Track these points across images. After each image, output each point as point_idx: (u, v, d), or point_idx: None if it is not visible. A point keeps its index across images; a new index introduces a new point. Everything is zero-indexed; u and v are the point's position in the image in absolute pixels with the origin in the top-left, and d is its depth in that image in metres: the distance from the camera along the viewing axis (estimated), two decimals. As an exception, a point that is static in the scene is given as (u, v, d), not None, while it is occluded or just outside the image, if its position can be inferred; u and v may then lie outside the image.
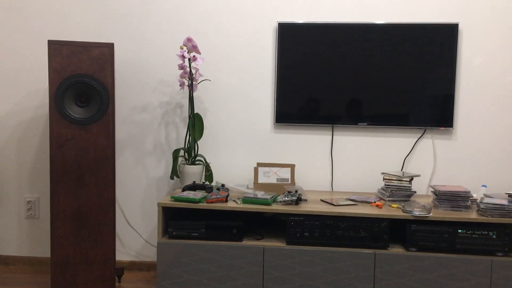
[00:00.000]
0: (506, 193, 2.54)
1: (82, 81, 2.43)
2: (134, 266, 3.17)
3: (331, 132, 3.02)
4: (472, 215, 2.41)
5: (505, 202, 2.40)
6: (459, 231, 2.40)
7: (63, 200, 2.51)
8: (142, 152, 3.12)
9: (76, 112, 2.47)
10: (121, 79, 3.08)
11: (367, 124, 2.95)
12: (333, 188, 3.04)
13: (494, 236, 2.38)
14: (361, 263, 2.42)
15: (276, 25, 2.99)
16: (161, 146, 3.11)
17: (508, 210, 2.38)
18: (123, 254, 3.18)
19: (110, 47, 2.46)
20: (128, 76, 3.08)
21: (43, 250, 3.22)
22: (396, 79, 2.91)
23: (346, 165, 3.03)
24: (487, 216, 2.39)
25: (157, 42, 3.06)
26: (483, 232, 2.39)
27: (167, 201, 2.55)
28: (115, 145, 2.59)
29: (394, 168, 3.01)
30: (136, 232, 3.16)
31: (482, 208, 2.43)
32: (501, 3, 2.87)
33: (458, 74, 2.92)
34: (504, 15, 2.87)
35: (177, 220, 2.55)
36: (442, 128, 2.92)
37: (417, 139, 2.98)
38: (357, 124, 2.96)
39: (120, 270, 2.94)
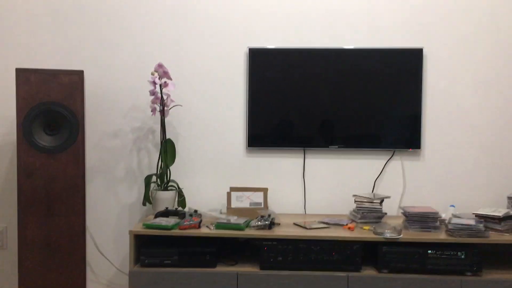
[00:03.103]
0: (474, 213, 2.61)
1: (51, 109, 2.40)
2: (106, 295, 3.11)
3: (303, 155, 3.06)
4: (441, 236, 2.46)
5: (472, 222, 2.46)
6: (429, 251, 2.44)
7: (32, 230, 2.46)
8: (114, 178, 3.08)
9: (45, 140, 2.44)
10: (91, 105, 3.06)
11: (338, 147, 3.00)
12: (306, 211, 3.06)
13: (463, 256, 2.43)
14: (335, 285, 2.43)
15: (246, 50, 3.03)
16: (133, 172, 3.08)
17: (475, 230, 2.44)
18: (94, 283, 3.10)
19: (79, 74, 2.44)
20: (98, 101, 3.06)
21: (11, 282, 3.11)
22: (366, 103, 2.97)
23: (319, 187, 3.06)
24: (455, 237, 2.44)
25: (128, 67, 3.06)
26: (452, 253, 2.44)
27: (139, 228, 2.52)
28: (85, 172, 2.55)
29: (365, 190, 3.05)
30: (107, 260, 3.10)
31: (450, 229, 2.48)
32: (463, 29, 2.98)
33: (424, 97, 3.01)
34: (466, 40, 2.99)
35: (149, 248, 2.52)
36: (410, 149, 2.99)
37: (386, 160, 3.04)
38: (328, 147, 3.00)
39: (91, 300, 2.87)
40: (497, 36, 2.98)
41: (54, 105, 2.41)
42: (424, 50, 2.98)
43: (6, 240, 3.10)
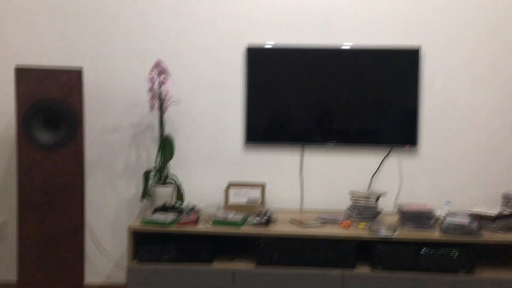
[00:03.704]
0: (468, 211, 2.64)
1: (50, 107, 2.42)
2: (105, 288, 3.15)
3: (300, 152, 3.07)
4: (435, 235, 2.50)
5: (466, 221, 2.49)
6: (423, 250, 2.47)
7: (31, 225, 2.49)
8: (113, 173, 3.11)
9: (44, 136, 2.46)
10: (90, 101, 3.06)
11: (336, 143, 3.02)
12: (303, 207, 3.09)
13: (456, 255, 2.46)
14: (330, 283, 2.47)
15: (245, 48, 3.03)
16: (132, 167, 3.11)
17: (468, 230, 2.47)
18: (93, 277, 3.14)
19: (78, 72, 2.46)
20: (97, 97, 3.07)
21: (11, 274, 3.15)
22: (363, 101, 2.99)
23: (316, 184, 3.09)
24: (449, 235, 2.47)
25: (127, 64, 3.06)
26: (445, 251, 2.47)
27: (137, 225, 2.56)
28: (84, 168, 2.58)
29: (362, 186, 3.07)
30: (106, 254, 3.14)
31: (444, 227, 2.52)
32: (461, 28, 2.98)
33: (422, 95, 3.01)
34: (464, 38, 2.99)
35: (147, 244, 2.56)
36: (407, 146, 3.01)
37: (383, 157, 3.06)
38: (326, 143, 3.02)
39: (90, 293, 2.92)
40: (494, 34, 2.98)
41: (53, 103, 2.42)
42: (421, 49, 2.98)
43: (6, 232, 3.14)
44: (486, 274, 2.49)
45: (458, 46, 2.99)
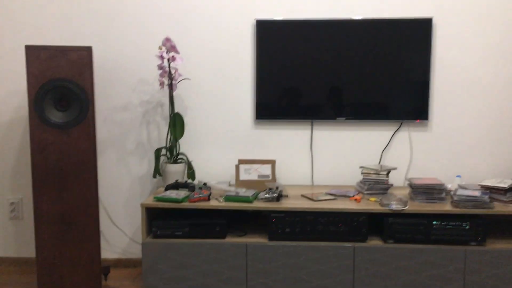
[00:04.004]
0: (479, 185, 2.64)
1: (61, 86, 2.43)
2: (120, 263, 3.22)
3: (310, 127, 3.08)
4: (446, 207, 2.50)
5: (477, 193, 2.49)
6: (434, 222, 2.49)
7: (46, 204, 2.54)
8: (124, 151, 3.14)
9: (56, 116, 2.48)
10: (100, 79, 3.08)
11: (346, 118, 3.01)
12: (313, 182, 3.11)
13: (467, 227, 2.48)
14: (342, 255, 2.50)
15: (254, 22, 3.01)
16: (143, 145, 3.13)
17: (480, 202, 2.47)
18: (108, 252, 3.22)
19: (88, 50, 2.46)
20: (107, 75, 3.08)
21: (29, 251, 3.24)
22: (374, 74, 2.96)
23: (326, 159, 3.10)
24: (460, 208, 2.48)
25: (136, 42, 3.06)
26: (457, 223, 2.48)
27: (150, 201, 2.59)
28: (96, 146, 2.60)
29: (372, 161, 3.08)
30: (120, 230, 3.20)
31: (455, 200, 2.52)
32: (473, -2, 2.94)
33: (433, 68, 2.99)
34: (476, 9, 2.94)
35: (160, 220, 2.60)
36: (418, 120, 3.00)
37: (394, 132, 3.06)
38: (336, 119, 3.01)
39: (106, 268, 2.98)
40: (507, 5, 2.92)
41: (64, 82, 2.44)
42: (433, 20, 2.94)
43: (22, 211, 3.20)
44: (497, 245, 2.50)
45: (470, 17, 2.95)
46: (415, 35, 2.92)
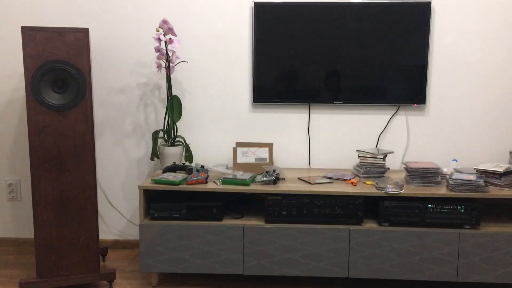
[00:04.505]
0: (475, 168, 2.66)
1: (58, 68, 2.42)
2: (118, 244, 3.25)
3: (308, 111, 3.08)
4: (442, 191, 2.52)
5: (473, 177, 2.51)
6: (429, 206, 2.51)
7: (44, 186, 2.54)
8: (122, 133, 3.14)
9: (53, 98, 2.48)
10: (97, 61, 3.07)
11: (343, 102, 3.01)
12: (310, 166, 3.13)
13: (462, 210, 2.50)
14: (337, 238, 2.53)
15: (252, 4, 2.99)
16: (140, 127, 3.14)
17: (475, 185, 2.50)
18: (106, 233, 3.24)
19: (85, 32, 2.44)
20: (104, 58, 3.07)
21: (27, 231, 3.26)
22: (371, 57, 2.96)
23: (323, 142, 3.11)
24: (455, 191, 2.50)
25: (133, 23, 3.04)
26: (451, 207, 2.51)
27: (148, 183, 2.60)
28: (94, 129, 2.61)
29: (369, 145, 3.09)
30: (118, 212, 3.22)
31: (451, 184, 2.54)
32: (472, -19, 2.92)
33: (431, 52, 2.98)
34: (476, -7, 2.93)
35: (158, 202, 2.61)
36: (415, 104, 3.00)
37: (391, 116, 3.06)
38: (333, 103, 3.02)
39: (104, 250, 3.01)
40: (508, -11, 2.91)
41: (61, 64, 2.42)
42: (432, 3, 2.92)
43: (20, 192, 3.22)
44: (491, 228, 2.53)
45: (468, 1, 2.93)
46: (413, 19, 2.91)
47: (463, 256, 2.50)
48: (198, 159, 3.14)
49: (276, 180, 2.64)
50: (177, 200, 2.65)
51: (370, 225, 2.56)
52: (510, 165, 2.66)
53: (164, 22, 2.75)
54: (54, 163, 2.53)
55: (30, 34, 2.39)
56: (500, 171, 2.56)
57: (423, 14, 2.90)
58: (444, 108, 3.03)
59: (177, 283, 2.76)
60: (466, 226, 2.52)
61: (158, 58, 2.82)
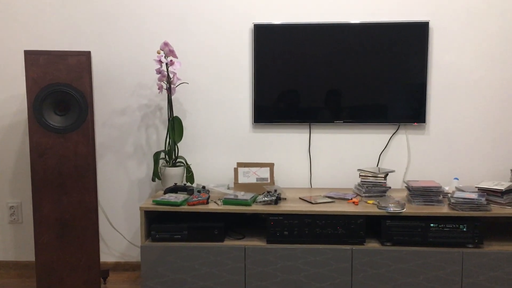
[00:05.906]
0: (476, 187, 2.65)
1: (60, 90, 2.45)
2: (119, 266, 3.23)
3: (308, 130, 3.09)
4: (444, 209, 2.52)
5: (474, 196, 2.51)
6: (432, 225, 2.50)
7: (46, 208, 2.55)
8: (123, 155, 3.15)
9: (55, 120, 2.50)
10: (99, 83, 3.10)
11: (343, 122, 3.03)
12: (311, 185, 3.12)
13: (464, 229, 2.49)
14: (340, 258, 2.51)
15: (251, 26, 3.03)
16: (141, 148, 3.15)
17: (477, 204, 2.49)
18: (108, 256, 3.23)
19: (87, 55, 2.47)
20: (106, 79, 3.10)
21: (28, 254, 3.24)
22: (371, 77, 2.98)
23: (324, 162, 3.11)
24: (457, 210, 2.49)
25: (134, 46, 3.08)
26: (454, 226, 2.50)
27: (149, 204, 2.60)
28: (95, 151, 2.62)
29: (370, 163, 3.10)
30: (120, 234, 3.21)
31: (453, 202, 2.53)
32: (470, 2, 2.95)
33: (430, 71, 3.01)
34: (472, 13, 2.96)
35: (159, 223, 2.61)
36: (415, 123, 3.02)
37: (391, 134, 3.07)
38: (334, 122, 3.03)
39: (105, 272, 2.99)
40: (503, 8, 2.94)
41: (63, 86, 2.45)
42: (430, 24, 2.96)
43: (21, 214, 3.21)
44: (494, 247, 2.51)
45: (466, 21, 2.97)
46: (412, 39, 2.94)
47: (467, 276, 2.48)
48: (199, 179, 3.15)
49: (278, 200, 2.64)
50: (179, 221, 2.64)
51: (372, 244, 2.55)
52: (511, 183, 2.66)
53: (165, 44, 2.78)
54: (56, 185, 2.53)
55: (32, 58, 2.43)
56: (502, 189, 2.56)
57: (422, 34, 2.93)
58: (444, 126, 3.04)
59: (178, 305, 2.74)
60: (469, 245, 2.50)
61: (159, 79, 2.85)
